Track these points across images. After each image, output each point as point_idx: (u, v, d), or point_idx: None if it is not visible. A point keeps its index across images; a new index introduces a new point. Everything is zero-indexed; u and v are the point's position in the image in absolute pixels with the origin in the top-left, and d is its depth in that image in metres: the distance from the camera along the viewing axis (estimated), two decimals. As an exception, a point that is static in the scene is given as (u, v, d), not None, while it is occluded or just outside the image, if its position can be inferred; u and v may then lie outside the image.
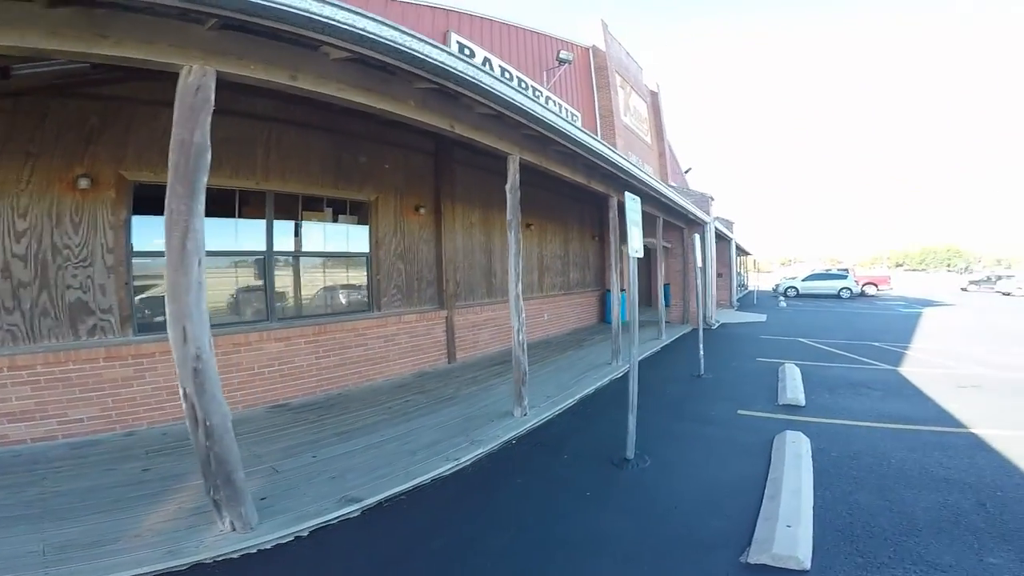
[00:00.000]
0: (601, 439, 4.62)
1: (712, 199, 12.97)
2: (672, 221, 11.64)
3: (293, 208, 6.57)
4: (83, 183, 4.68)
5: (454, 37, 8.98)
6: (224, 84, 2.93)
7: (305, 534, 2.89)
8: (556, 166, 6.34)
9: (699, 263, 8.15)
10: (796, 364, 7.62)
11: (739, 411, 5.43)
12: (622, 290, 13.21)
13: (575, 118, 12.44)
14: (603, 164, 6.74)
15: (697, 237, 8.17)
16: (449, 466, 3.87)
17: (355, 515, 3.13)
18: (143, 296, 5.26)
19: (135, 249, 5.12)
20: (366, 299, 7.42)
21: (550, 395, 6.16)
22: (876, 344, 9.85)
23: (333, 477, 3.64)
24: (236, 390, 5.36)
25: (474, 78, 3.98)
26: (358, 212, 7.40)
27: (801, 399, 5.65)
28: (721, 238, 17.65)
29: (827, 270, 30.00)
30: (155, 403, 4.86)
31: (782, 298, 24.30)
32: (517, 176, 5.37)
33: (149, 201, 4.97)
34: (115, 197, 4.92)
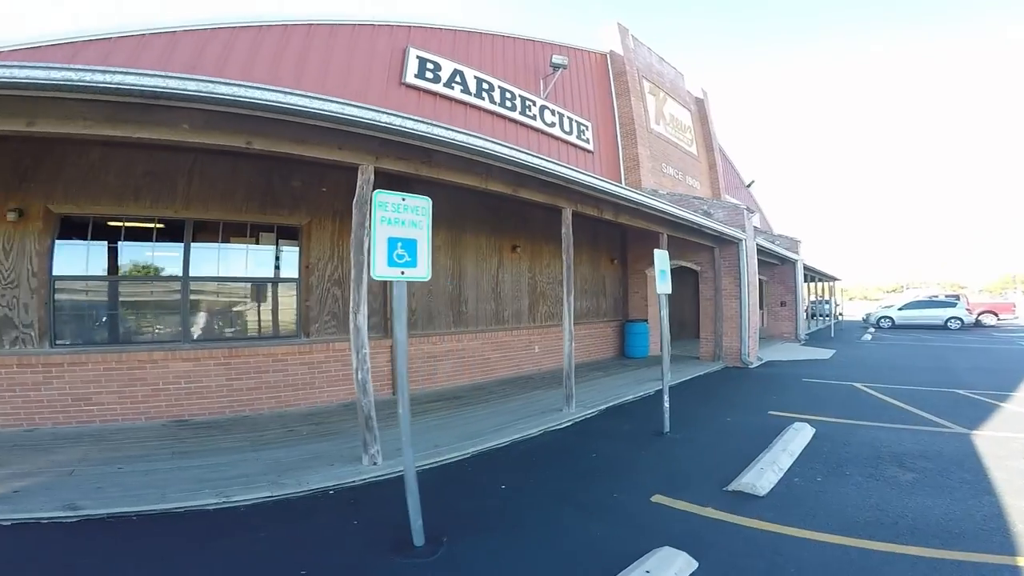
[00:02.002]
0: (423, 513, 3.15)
1: (751, 211, 10.66)
2: (689, 239, 9.65)
3: (215, 234, 6.47)
4: (12, 216, 5.24)
5: (413, 53, 8.27)
6: None
7: None
8: (454, 175, 5.16)
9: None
10: (822, 422, 5.51)
11: (657, 497, 3.67)
12: (631, 320, 11.40)
13: (583, 128, 11.06)
14: (527, 172, 5.40)
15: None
16: (212, 501, 3.49)
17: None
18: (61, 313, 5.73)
19: (55, 273, 5.61)
20: (294, 325, 6.88)
21: (439, 444, 4.93)
22: (962, 392, 7.07)
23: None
24: (139, 403, 5.53)
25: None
26: (292, 237, 6.95)
27: (764, 485, 3.71)
28: (782, 260, 14.78)
29: (932, 297, 24.41)
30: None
31: (872, 330, 20.07)
32: (369, 187, 4.32)
33: (74, 229, 5.76)
34: (42, 228, 5.43)
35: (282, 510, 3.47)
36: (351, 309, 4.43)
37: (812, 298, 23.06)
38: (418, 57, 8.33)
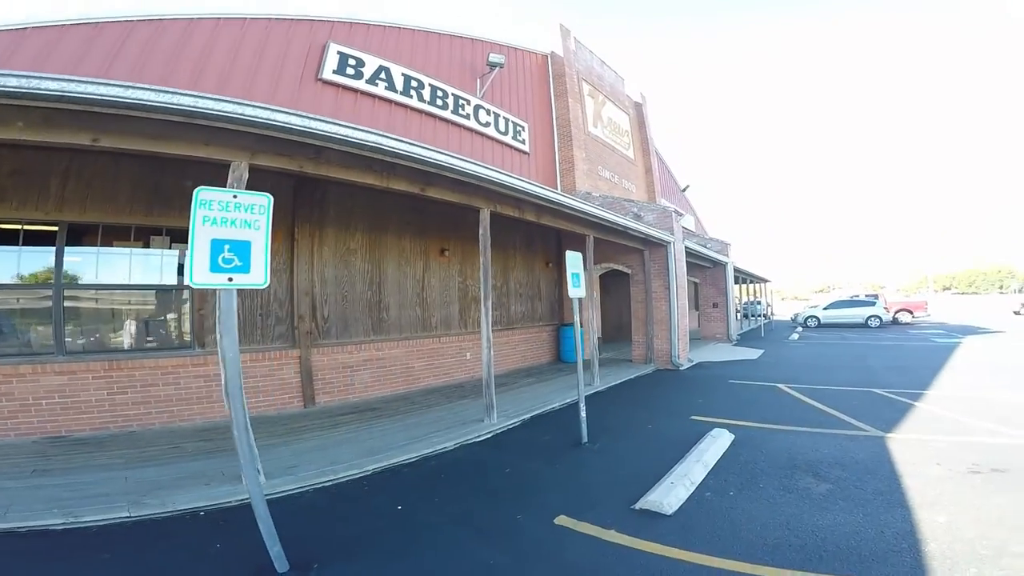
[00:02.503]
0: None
1: (679, 214, 10.79)
2: (618, 241, 9.61)
3: (93, 238, 5.81)
4: None
5: (334, 48, 7.74)
6: None
7: None
8: (349, 173, 4.74)
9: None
10: (742, 427, 5.46)
11: (561, 519, 3.42)
12: (565, 324, 11.30)
13: (519, 129, 10.83)
14: (434, 170, 5.05)
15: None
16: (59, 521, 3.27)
17: None
18: None
19: None
20: (188, 335, 6.24)
21: (338, 461, 4.59)
22: (880, 391, 7.31)
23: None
24: (6, 419, 5.04)
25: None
26: (185, 240, 6.24)
27: (672, 502, 3.53)
28: (713, 263, 15.21)
29: (853, 296, 26.02)
30: None
31: (799, 329, 21.05)
32: (241, 186, 3.92)
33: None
34: None
35: (139, 531, 3.26)
36: (217, 318, 3.95)
37: (745, 299, 24.02)
38: (339, 53, 7.79)
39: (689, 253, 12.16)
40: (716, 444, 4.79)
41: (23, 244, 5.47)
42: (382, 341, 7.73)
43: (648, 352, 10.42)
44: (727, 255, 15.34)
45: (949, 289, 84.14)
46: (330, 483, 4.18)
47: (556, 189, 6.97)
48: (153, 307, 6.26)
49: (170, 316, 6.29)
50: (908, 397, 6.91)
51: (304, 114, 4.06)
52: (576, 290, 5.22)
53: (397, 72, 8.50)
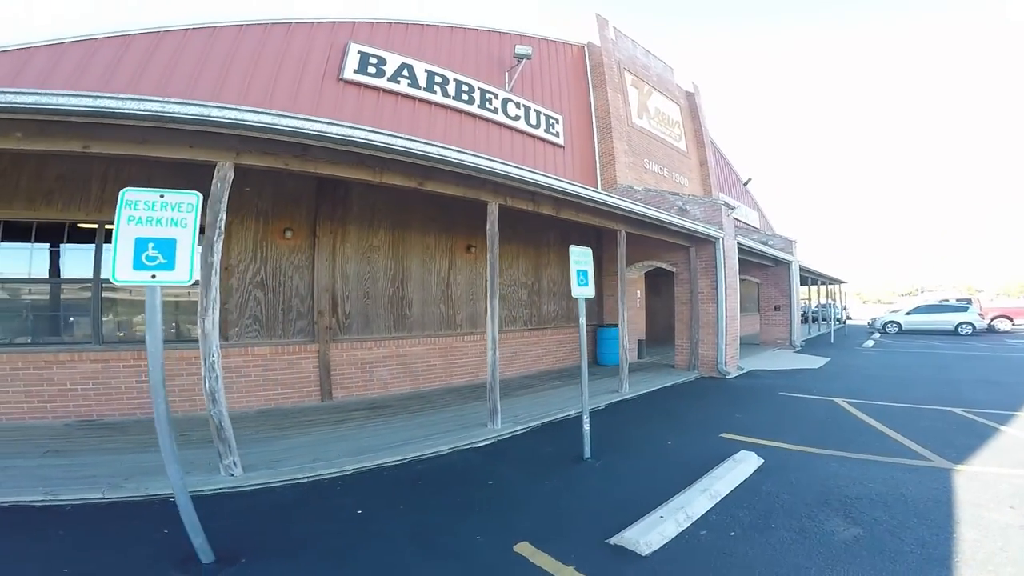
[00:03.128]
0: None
1: (730, 207, 9.69)
2: (659, 237, 8.81)
3: None
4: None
5: (355, 48, 7.75)
6: None
7: None
8: (338, 169, 4.58)
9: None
10: (778, 449, 4.66)
11: (522, 546, 2.96)
12: (603, 325, 10.56)
13: (552, 121, 10.32)
14: (431, 164, 4.74)
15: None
16: (39, 498, 3.42)
17: None
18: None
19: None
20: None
21: (321, 458, 4.46)
22: (959, 411, 6.06)
23: None
24: (46, 402, 5.40)
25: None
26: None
27: (652, 541, 2.93)
28: (776, 262, 13.68)
29: (942, 300, 22.69)
30: None
31: (876, 335, 18.67)
32: (225, 185, 3.96)
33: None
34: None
35: (106, 512, 3.33)
36: (199, 313, 4.07)
37: (819, 302, 21.61)
38: (360, 52, 7.79)
39: (744, 250, 10.98)
40: (736, 470, 4.04)
41: (67, 242, 5.90)
42: (403, 338, 7.58)
43: (692, 358, 9.49)
44: (792, 253, 13.74)
45: (1060, 295, 71.34)
46: (305, 480, 4.04)
47: (577, 182, 6.39)
48: (177, 300, 6.49)
49: (194, 310, 6.50)
50: (993, 419, 5.65)
51: (278, 112, 4.02)
52: (583, 289, 4.67)
53: (420, 68, 8.35)
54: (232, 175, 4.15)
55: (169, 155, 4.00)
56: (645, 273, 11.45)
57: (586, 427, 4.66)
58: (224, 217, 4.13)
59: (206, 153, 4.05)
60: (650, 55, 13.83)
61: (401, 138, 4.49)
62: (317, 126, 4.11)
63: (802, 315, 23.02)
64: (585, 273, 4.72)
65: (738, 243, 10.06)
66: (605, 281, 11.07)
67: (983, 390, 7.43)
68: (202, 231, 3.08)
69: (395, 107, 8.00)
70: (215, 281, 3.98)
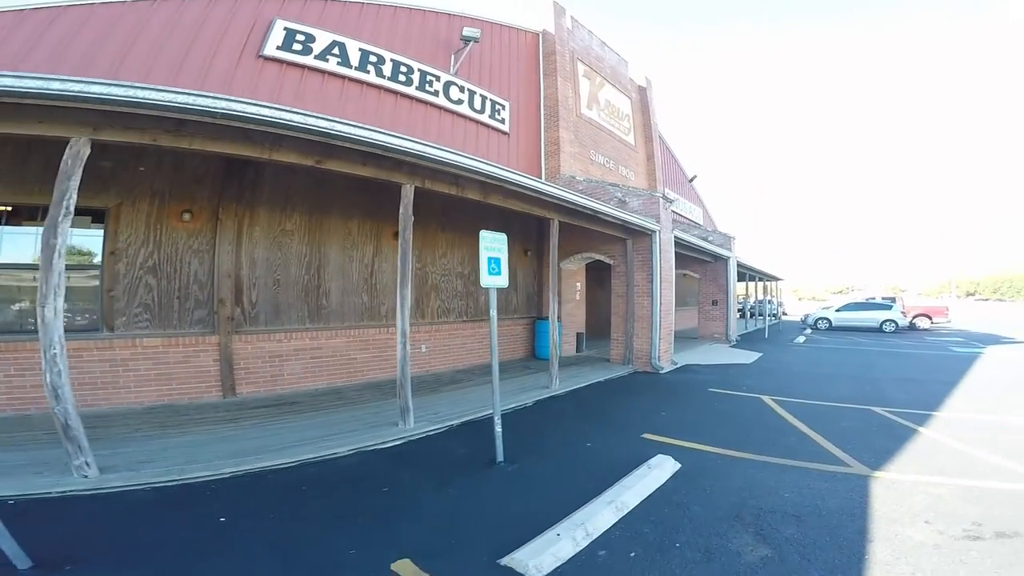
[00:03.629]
0: None
1: (668, 200, 9.60)
2: (597, 229, 8.59)
3: None
4: None
5: (280, 24, 7.02)
6: None
7: None
8: (220, 145, 4.01)
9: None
10: (698, 452, 4.50)
11: (400, 564, 2.66)
12: (541, 318, 10.32)
13: (498, 108, 9.86)
14: (333, 141, 4.21)
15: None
16: None
17: None
18: None
19: None
20: (98, 317, 5.70)
21: (198, 460, 3.91)
22: (880, 411, 6.15)
23: None
24: None
25: None
26: (99, 220, 5.78)
27: (544, 563, 2.64)
28: (715, 257, 13.89)
29: (869, 298, 24.08)
30: None
31: (808, 331, 19.47)
32: (77, 162, 3.44)
33: None
34: None
35: None
36: (38, 300, 3.48)
37: (756, 298, 22.38)
38: (286, 28, 7.06)
39: (682, 245, 10.99)
40: (649, 478, 3.81)
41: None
42: (319, 329, 7.00)
43: (627, 352, 9.38)
44: (730, 249, 13.97)
45: (973, 295, 78.20)
46: (173, 483, 3.64)
47: (504, 166, 5.98)
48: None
49: (76, 298, 5.69)
50: (912, 419, 5.74)
51: (134, 84, 3.53)
52: (494, 278, 4.31)
53: (353, 47, 7.67)
54: (88, 151, 3.63)
55: (18, 131, 3.54)
56: (588, 265, 11.27)
57: (498, 429, 4.34)
58: (74, 196, 3.64)
59: (58, 128, 3.59)
60: (606, 47, 13.55)
61: (287, 111, 3.97)
62: (182, 98, 3.58)
63: (739, 310, 23.91)
64: (498, 261, 4.36)
65: (676, 237, 10.01)
66: (544, 273, 10.80)
67: (902, 389, 7.65)
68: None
69: (321, 86, 7.31)
70: (59, 265, 3.50)
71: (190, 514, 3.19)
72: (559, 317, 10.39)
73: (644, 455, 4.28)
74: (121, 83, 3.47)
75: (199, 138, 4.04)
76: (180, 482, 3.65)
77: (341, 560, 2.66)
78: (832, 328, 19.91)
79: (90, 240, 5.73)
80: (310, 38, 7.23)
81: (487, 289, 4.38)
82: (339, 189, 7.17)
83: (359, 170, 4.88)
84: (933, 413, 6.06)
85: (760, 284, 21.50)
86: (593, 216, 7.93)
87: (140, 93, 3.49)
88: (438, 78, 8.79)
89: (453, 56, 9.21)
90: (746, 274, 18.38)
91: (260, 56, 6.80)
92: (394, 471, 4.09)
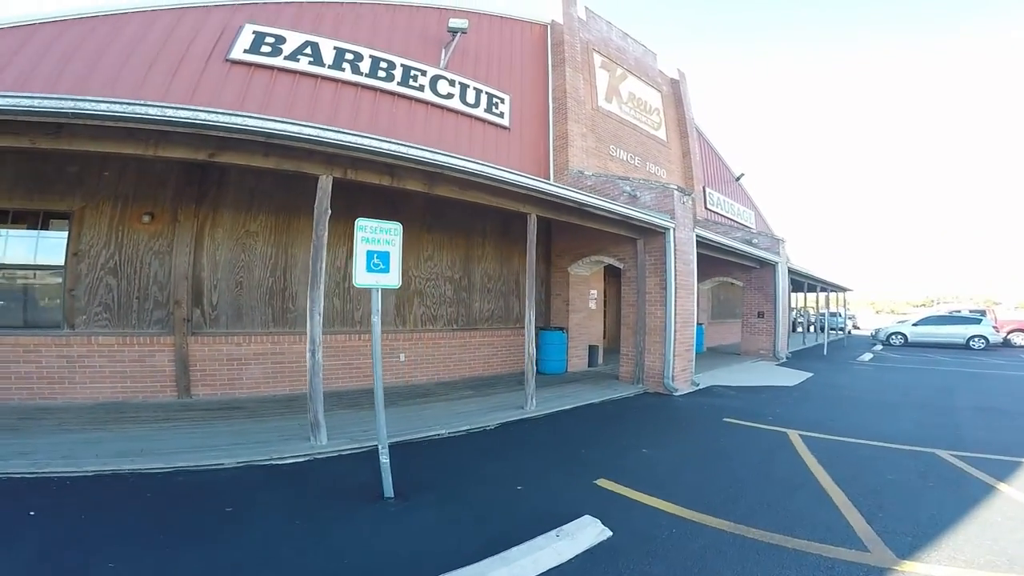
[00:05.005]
0: None
1: (685, 193, 8.12)
2: (602, 228, 7.43)
3: None
4: None
5: (250, 28, 6.85)
6: None
7: None
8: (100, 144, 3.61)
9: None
10: (653, 512, 3.33)
11: None
12: (544, 328, 9.16)
13: (495, 101, 9.07)
14: (221, 133, 3.66)
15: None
16: None
17: None
18: None
19: None
20: (60, 315, 5.63)
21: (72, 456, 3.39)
22: (948, 456, 4.49)
23: None
24: None
25: None
26: (65, 223, 5.78)
27: None
28: (760, 263, 11.88)
29: (954, 312, 20.08)
30: None
31: (877, 347, 16.44)
32: None
33: None
34: None
35: None
36: None
37: (818, 310, 19.28)
38: (254, 32, 6.90)
39: (709, 246, 9.41)
40: (545, 552, 2.67)
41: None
42: (282, 334, 6.54)
43: (636, 370, 8.00)
44: (778, 253, 11.88)
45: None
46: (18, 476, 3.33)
47: (450, 152, 5.15)
48: (20, 287, 5.67)
49: (38, 296, 5.68)
50: (989, 469, 4.08)
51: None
52: (375, 276, 3.45)
53: (327, 46, 7.33)
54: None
55: None
56: (612, 270, 10.02)
57: (383, 460, 3.45)
58: None
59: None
60: (628, 38, 12.33)
61: (154, 106, 3.49)
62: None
63: (795, 323, 20.83)
64: (384, 256, 3.52)
65: (699, 237, 8.50)
66: (554, 278, 9.72)
67: (984, 423, 5.74)
68: None
69: (292, 87, 7.00)
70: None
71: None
72: (566, 326, 9.25)
73: (577, 510, 3.15)
74: None
75: (81, 139, 3.77)
76: (30, 475, 3.31)
77: None
78: (908, 344, 16.79)
79: (54, 242, 5.70)
80: (280, 39, 6.99)
81: (367, 290, 3.52)
82: (309, 189, 6.69)
83: (261, 162, 4.36)
84: (1021, 460, 4.25)
85: (823, 295, 18.51)
86: (586, 211, 6.80)
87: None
88: (424, 72, 8.19)
89: (443, 50, 8.58)
90: (804, 283, 15.81)
91: (227, 60, 6.60)
92: (258, 492, 3.45)
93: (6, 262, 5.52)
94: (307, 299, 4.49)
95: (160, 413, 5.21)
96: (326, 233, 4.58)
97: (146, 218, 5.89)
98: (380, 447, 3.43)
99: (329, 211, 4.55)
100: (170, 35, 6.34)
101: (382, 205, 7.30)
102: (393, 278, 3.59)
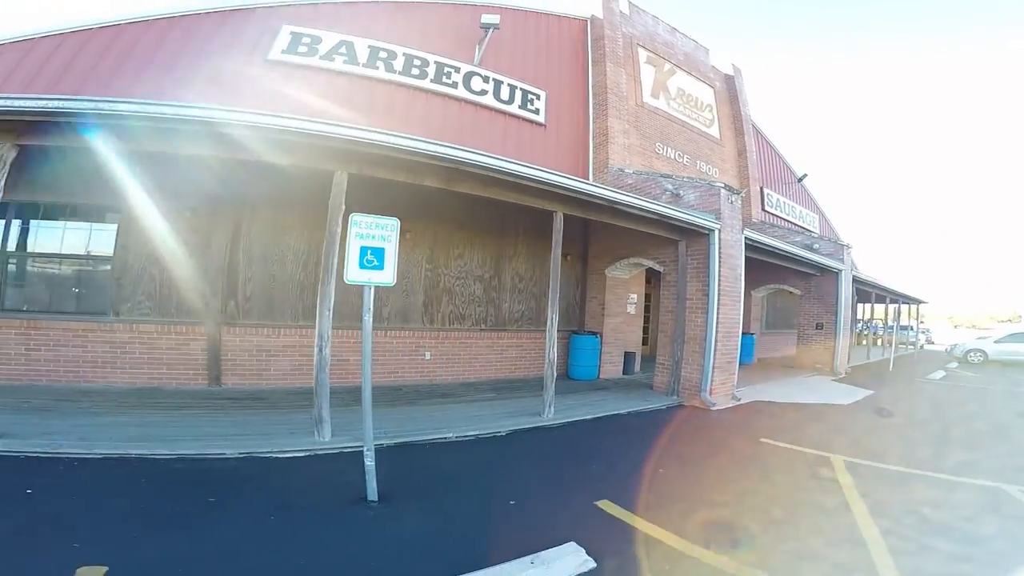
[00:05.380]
0: None
1: (734, 192, 7.37)
2: (638, 229, 6.94)
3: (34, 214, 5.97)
4: None
5: (287, 29, 7.13)
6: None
7: None
8: None
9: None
10: (652, 544, 2.92)
11: None
12: (576, 332, 8.69)
13: (531, 97, 8.80)
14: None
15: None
16: None
17: None
18: None
19: None
20: (108, 302, 5.97)
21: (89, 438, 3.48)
22: (1015, 491, 3.65)
23: None
24: None
25: None
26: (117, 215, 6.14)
27: None
28: (821, 270, 10.69)
29: None
30: None
31: (952, 365, 14.51)
32: None
33: None
34: None
35: None
36: None
37: (886, 322, 17.15)
38: (292, 33, 7.16)
39: (761, 250, 8.56)
40: None
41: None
42: (311, 327, 6.58)
43: (672, 380, 7.39)
44: (842, 260, 10.62)
45: None
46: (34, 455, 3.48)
47: (513, 159, 4.95)
48: (75, 273, 6.09)
49: (89, 283, 6.09)
50: None
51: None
52: (369, 273, 3.28)
53: (362, 45, 7.44)
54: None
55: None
56: (653, 273, 9.43)
57: (368, 463, 3.26)
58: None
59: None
60: (676, 32, 11.61)
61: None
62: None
63: (860, 335, 18.64)
64: (378, 252, 3.34)
65: (748, 239, 7.73)
66: (589, 280, 9.25)
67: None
68: None
69: (327, 84, 7.13)
70: None
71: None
72: (600, 331, 8.77)
73: (566, 534, 2.80)
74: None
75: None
76: (44, 455, 3.45)
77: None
78: (988, 362, 14.75)
79: (105, 235, 6.08)
80: (316, 39, 7.20)
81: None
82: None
83: (277, 158, 4.30)
84: None
85: (892, 307, 16.47)
86: (619, 210, 6.35)
87: None
88: (457, 69, 8.08)
89: (477, 46, 8.42)
90: (871, 294, 14.12)
91: (266, 61, 6.85)
92: (246, 484, 3.42)
93: (63, 252, 5.98)
94: (319, 293, 4.44)
95: (186, 399, 5.39)
96: (339, 229, 4.48)
97: (188, 214, 6.15)
98: (365, 449, 3.25)
99: (344, 207, 4.48)
100: (212, 38, 6.70)
101: (407, 202, 7.26)
102: (387, 275, 3.40)
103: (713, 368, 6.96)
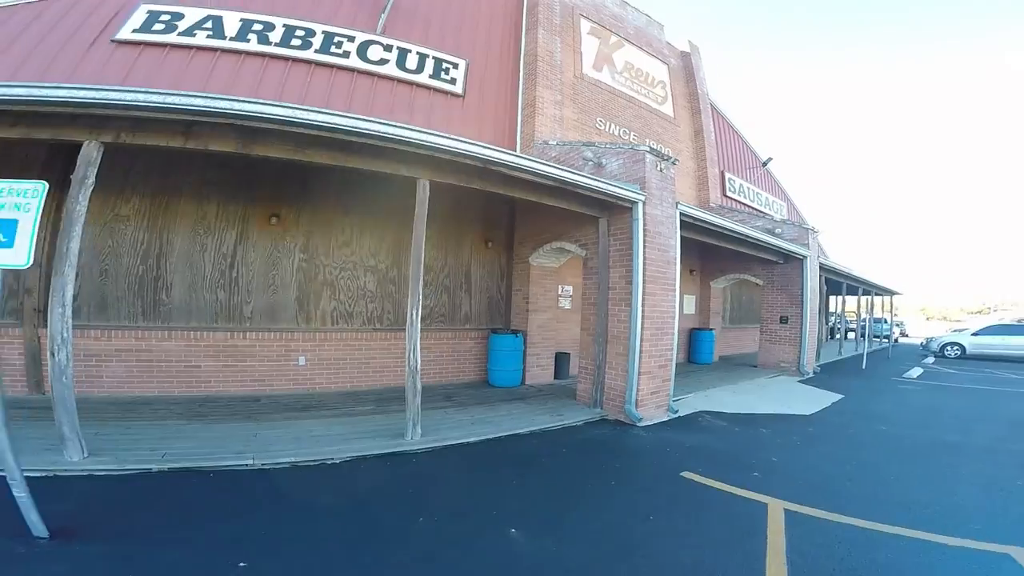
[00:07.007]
0: None
1: (664, 157, 6.02)
2: (560, 206, 5.66)
3: None
4: None
5: (144, 8, 6.12)
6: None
7: None
8: None
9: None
10: None
11: None
12: (497, 331, 7.36)
13: (446, 67, 7.55)
14: None
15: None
16: None
17: None
18: None
19: None
20: None
21: None
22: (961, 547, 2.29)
23: None
24: None
25: None
26: None
27: None
28: (785, 257, 9.26)
29: (1020, 320, 16.27)
30: None
31: (929, 360, 13.23)
32: None
33: None
34: None
35: None
36: None
37: (859, 315, 15.58)
38: (148, 11, 6.09)
39: (710, 232, 7.21)
40: None
41: None
42: (153, 329, 5.41)
43: (594, 389, 6.03)
44: (807, 244, 9.17)
45: None
46: None
47: (336, 111, 3.72)
48: None
49: None
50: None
51: None
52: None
53: (232, 18, 6.37)
54: None
55: None
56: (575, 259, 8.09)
57: (19, 494, 2.05)
58: None
59: None
60: (627, 6, 10.30)
61: None
62: None
63: (832, 329, 17.23)
64: (8, 225, 2.21)
65: (685, 215, 6.37)
66: (515, 270, 7.93)
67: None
68: None
69: (185, 63, 6.02)
70: None
71: None
72: (529, 328, 7.45)
73: None
74: None
75: None
76: None
77: None
78: (965, 356, 13.49)
79: None
80: (177, 16, 6.17)
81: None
82: (192, 167, 5.57)
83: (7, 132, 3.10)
84: None
85: (866, 299, 14.91)
86: (514, 179, 4.97)
87: None
88: (351, 39, 6.87)
89: (383, 16, 7.18)
90: (843, 284, 12.60)
91: (113, 41, 5.73)
92: None
93: None
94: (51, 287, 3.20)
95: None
96: (79, 207, 3.30)
97: None
98: (9, 478, 2.03)
99: (92, 182, 3.28)
100: (60, 22, 5.70)
101: (280, 180, 6.07)
102: (19, 256, 2.19)
103: (639, 374, 5.60)
